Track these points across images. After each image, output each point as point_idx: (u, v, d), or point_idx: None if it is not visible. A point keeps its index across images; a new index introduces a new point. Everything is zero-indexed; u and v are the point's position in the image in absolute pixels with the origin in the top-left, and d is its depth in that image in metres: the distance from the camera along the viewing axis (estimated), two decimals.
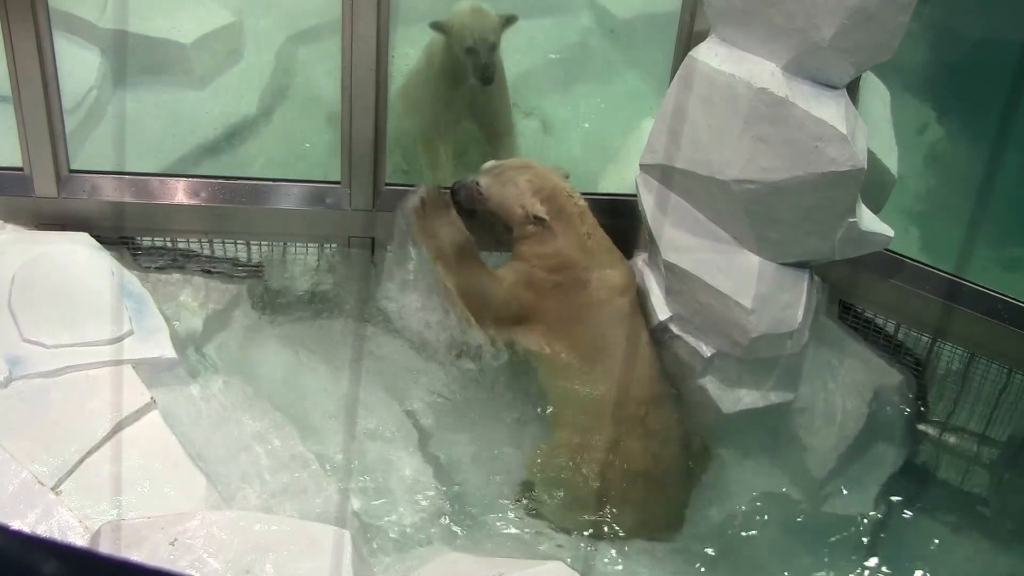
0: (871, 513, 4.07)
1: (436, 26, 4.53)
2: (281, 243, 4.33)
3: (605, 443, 3.85)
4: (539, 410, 4.06)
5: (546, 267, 3.91)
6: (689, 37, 3.87)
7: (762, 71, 3.50)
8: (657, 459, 3.88)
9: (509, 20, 4.55)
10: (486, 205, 3.99)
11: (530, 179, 3.93)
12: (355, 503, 3.69)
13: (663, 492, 3.92)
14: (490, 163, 4.09)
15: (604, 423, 3.87)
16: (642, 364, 3.90)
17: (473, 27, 4.46)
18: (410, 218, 3.92)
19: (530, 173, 3.95)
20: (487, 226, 4.06)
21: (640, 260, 4.10)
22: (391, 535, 3.64)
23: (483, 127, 4.78)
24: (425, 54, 4.79)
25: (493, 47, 4.48)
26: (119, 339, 3.66)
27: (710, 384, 3.96)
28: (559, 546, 3.73)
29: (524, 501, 3.87)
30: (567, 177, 4.05)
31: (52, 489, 3.22)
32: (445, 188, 4.05)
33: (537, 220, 3.88)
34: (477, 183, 3.98)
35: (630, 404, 3.86)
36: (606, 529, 3.82)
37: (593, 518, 3.83)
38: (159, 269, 4.25)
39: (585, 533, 3.80)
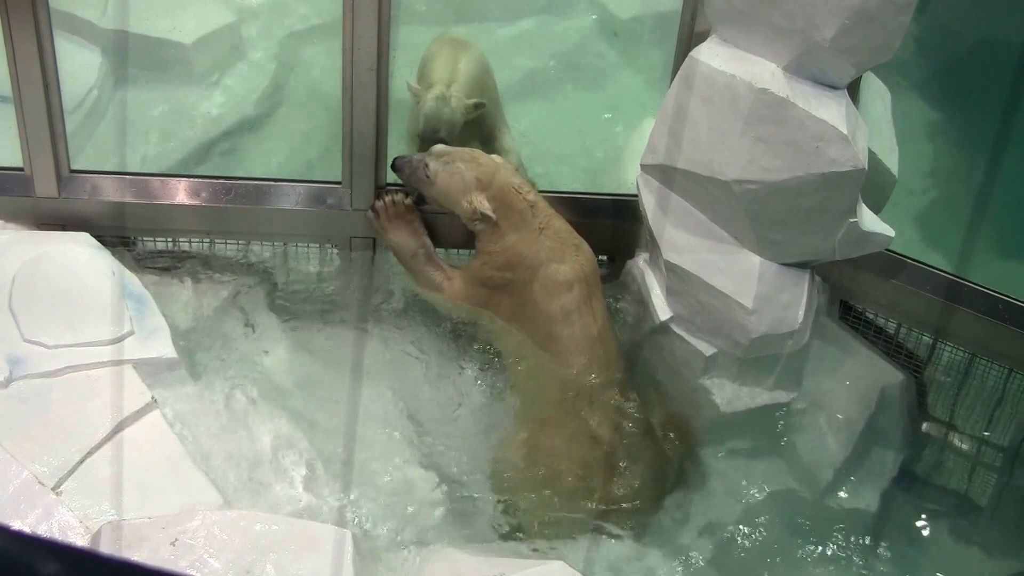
0: (871, 513, 4.07)
1: (411, 90, 4.41)
2: (282, 243, 4.33)
3: (557, 437, 3.88)
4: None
5: (496, 265, 3.97)
6: (690, 37, 3.87)
7: (763, 71, 3.50)
8: (611, 448, 3.88)
9: (477, 107, 4.42)
10: (429, 188, 4.03)
11: (478, 175, 3.94)
12: (356, 502, 3.69)
13: (623, 478, 3.91)
14: (441, 147, 4.09)
15: (555, 416, 3.91)
16: (593, 356, 3.91)
17: (430, 118, 4.33)
18: (371, 222, 4.16)
19: (478, 169, 3.96)
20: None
21: (641, 260, 4.11)
22: (392, 535, 3.64)
23: (479, 137, 4.71)
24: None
25: (443, 143, 4.26)
26: (120, 339, 3.66)
27: (711, 384, 3.96)
28: (559, 546, 3.73)
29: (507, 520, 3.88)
30: (516, 167, 4.08)
31: (53, 489, 3.22)
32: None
33: (484, 217, 3.90)
34: (426, 164, 4.00)
35: (580, 395, 3.88)
36: (580, 521, 3.82)
37: (562, 512, 3.84)
38: (160, 269, 4.25)
39: (564, 535, 3.80)
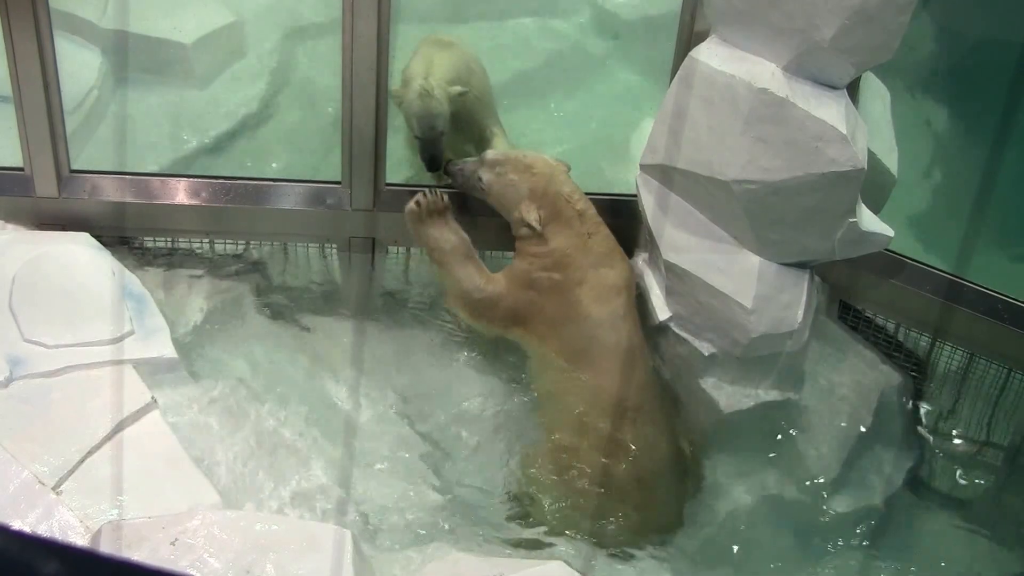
0: (871, 512, 4.07)
1: (391, 94, 4.28)
2: (281, 243, 4.33)
3: (591, 444, 3.86)
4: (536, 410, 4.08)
5: (544, 266, 3.94)
6: (689, 37, 3.87)
7: (762, 71, 3.50)
8: (644, 461, 3.88)
9: (461, 95, 4.36)
10: (484, 196, 4.06)
11: (532, 186, 3.94)
12: (356, 502, 3.69)
13: (651, 494, 3.91)
14: (493, 154, 4.08)
15: (591, 424, 3.88)
16: (633, 365, 3.91)
17: (421, 116, 4.24)
18: (408, 220, 4.04)
19: (532, 179, 3.95)
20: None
21: (640, 260, 4.11)
22: (392, 534, 3.64)
23: (472, 139, 4.70)
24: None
25: (441, 135, 4.26)
26: (120, 339, 3.66)
27: (710, 383, 3.96)
28: (559, 546, 3.73)
29: (516, 516, 3.87)
30: (568, 170, 4.05)
31: (53, 489, 3.23)
32: (444, 188, 4.13)
33: (530, 227, 3.91)
34: (480, 177, 4.00)
35: (619, 405, 3.87)
36: (597, 530, 3.81)
37: (582, 520, 3.83)
38: (160, 269, 4.25)
39: (577, 535, 3.80)
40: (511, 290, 3.99)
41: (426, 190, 4.06)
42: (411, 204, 4.03)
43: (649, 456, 3.88)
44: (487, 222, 4.17)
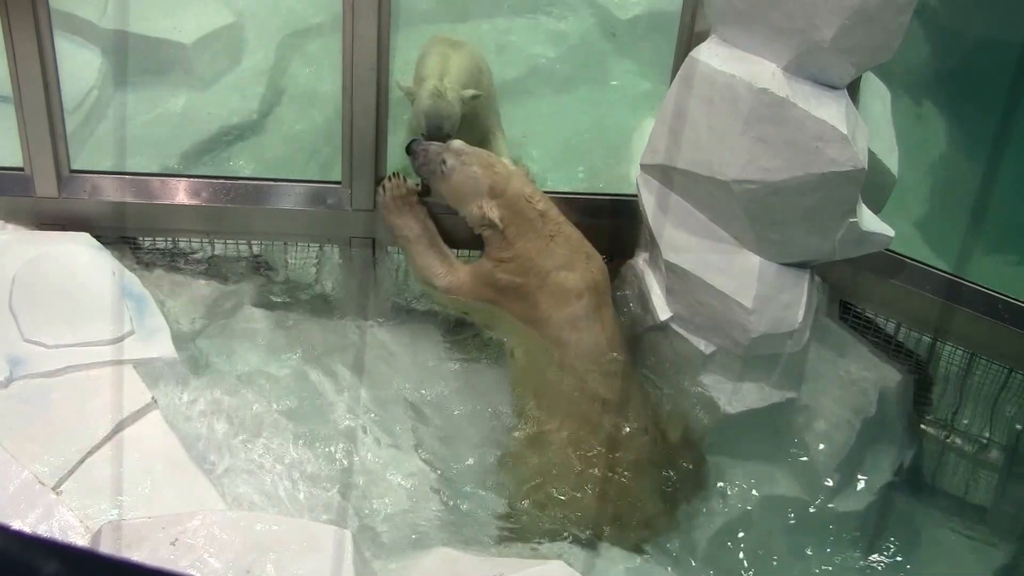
0: (871, 513, 4.07)
1: (402, 89, 4.31)
2: (282, 243, 4.33)
3: (563, 443, 3.88)
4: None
5: (508, 270, 3.97)
6: (690, 37, 3.87)
7: (762, 71, 3.50)
8: (616, 455, 3.88)
9: (474, 98, 4.38)
10: (440, 183, 4.03)
11: (492, 183, 3.94)
12: (356, 502, 3.69)
13: (627, 487, 3.91)
14: (460, 144, 4.08)
15: (559, 417, 3.90)
16: (600, 363, 3.91)
17: (430, 116, 4.26)
18: (378, 201, 4.13)
19: (493, 176, 3.96)
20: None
21: (641, 260, 4.11)
22: (392, 534, 3.64)
23: (473, 141, 4.67)
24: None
25: (447, 137, 4.24)
26: (120, 339, 3.66)
27: (711, 383, 3.96)
28: (559, 546, 3.73)
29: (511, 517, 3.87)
30: (528, 174, 4.05)
31: (53, 489, 3.23)
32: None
33: (491, 224, 3.90)
34: (444, 160, 4.00)
35: (589, 405, 3.87)
36: (583, 529, 3.82)
37: (564, 516, 3.83)
38: (160, 269, 4.25)
39: (567, 533, 3.80)
40: (474, 286, 4.05)
41: (392, 175, 4.11)
42: (378, 188, 4.10)
43: (623, 450, 3.88)
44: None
